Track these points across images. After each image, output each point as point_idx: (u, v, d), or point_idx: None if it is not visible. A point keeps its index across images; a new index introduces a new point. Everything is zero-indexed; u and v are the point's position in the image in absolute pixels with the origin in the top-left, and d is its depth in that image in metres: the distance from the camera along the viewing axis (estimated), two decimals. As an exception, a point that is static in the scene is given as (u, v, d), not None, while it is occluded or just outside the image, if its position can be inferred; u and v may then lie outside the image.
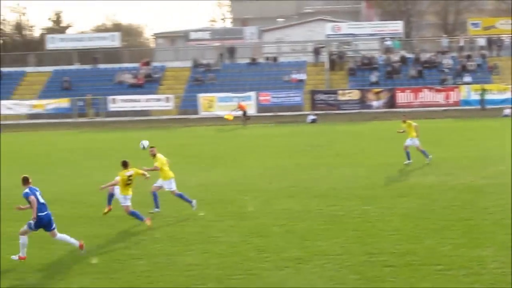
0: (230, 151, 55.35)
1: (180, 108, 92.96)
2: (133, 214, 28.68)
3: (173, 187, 31.87)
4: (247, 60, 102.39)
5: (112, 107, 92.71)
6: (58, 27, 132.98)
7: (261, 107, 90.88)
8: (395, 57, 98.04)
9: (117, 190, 29.01)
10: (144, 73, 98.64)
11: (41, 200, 23.87)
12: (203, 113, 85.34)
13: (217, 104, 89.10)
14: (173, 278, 21.63)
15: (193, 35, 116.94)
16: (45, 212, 23.81)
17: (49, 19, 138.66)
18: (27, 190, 23.78)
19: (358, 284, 20.33)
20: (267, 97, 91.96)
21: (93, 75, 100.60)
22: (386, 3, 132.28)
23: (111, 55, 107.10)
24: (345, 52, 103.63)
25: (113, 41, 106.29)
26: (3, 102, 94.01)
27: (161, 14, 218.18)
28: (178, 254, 24.45)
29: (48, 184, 37.00)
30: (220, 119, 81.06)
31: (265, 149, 55.79)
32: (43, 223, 23.79)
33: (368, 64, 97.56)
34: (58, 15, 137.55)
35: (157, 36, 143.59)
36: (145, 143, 37.65)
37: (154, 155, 32.03)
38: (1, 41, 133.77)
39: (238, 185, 38.35)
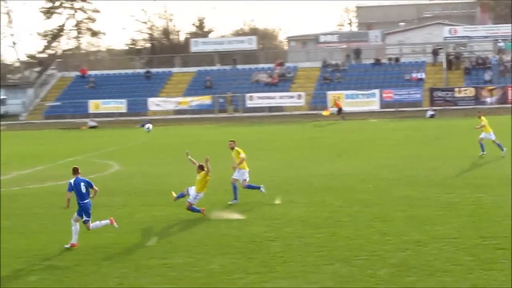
0: (355, 144, 55.28)
1: (311, 104, 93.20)
2: (192, 209, 28.87)
3: (247, 178, 31.58)
4: (372, 61, 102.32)
5: (249, 103, 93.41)
6: (201, 32, 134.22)
7: (384, 103, 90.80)
8: (507, 57, 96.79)
9: (192, 189, 29.01)
10: (278, 73, 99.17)
11: (83, 190, 24.23)
12: (331, 109, 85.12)
13: (344, 100, 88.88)
14: (304, 259, 21.77)
15: (322, 38, 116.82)
16: (86, 200, 24.23)
17: (193, 24, 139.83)
18: (71, 180, 24.31)
19: (472, 265, 20.21)
20: (390, 94, 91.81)
21: (232, 75, 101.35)
22: (499, 7, 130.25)
23: (248, 56, 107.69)
24: (461, 53, 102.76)
25: (250, 44, 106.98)
26: (152, 99, 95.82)
27: (293, 19, 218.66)
28: (309, 236, 24.59)
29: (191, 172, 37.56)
30: (347, 115, 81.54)
31: (387, 142, 55.71)
32: (84, 211, 24.21)
33: (482, 64, 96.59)
34: (201, 21, 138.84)
35: (290, 39, 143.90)
36: (150, 126, 38.84)
37: (232, 148, 31.96)
38: (151, 45, 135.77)
39: (362, 175, 38.24)
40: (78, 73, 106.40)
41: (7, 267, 21.73)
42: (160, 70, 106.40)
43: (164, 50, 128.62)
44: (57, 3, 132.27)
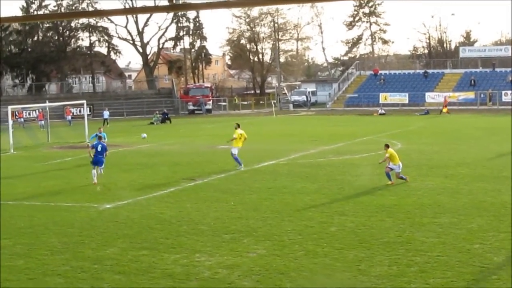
0: None
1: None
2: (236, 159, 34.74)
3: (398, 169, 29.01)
4: None
5: (505, 99, 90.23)
6: (468, 41, 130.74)
7: None
8: None
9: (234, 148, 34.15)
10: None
11: (99, 149, 31.41)
12: None
13: None
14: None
15: None
16: (99, 157, 31.37)
17: (462, 35, 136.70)
18: (95, 143, 32.38)
19: None
20: None
21: (491, 76, 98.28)
22: None
23: (504, 61, 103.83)
24: None
25: (506, 52, 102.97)
26: (428, 93, 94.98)
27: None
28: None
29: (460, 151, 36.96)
30: None
31: None
32: (94, 162, 31.31)
33: None
34: (468, 33, 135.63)
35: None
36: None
37: (387, 146, 29.78)
38: (428, 51, 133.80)
39: None
40: (371, 72, 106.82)
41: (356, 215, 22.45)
42: (435, 71, 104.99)
43: (439, 55, 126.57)
44: (356, 18, 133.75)
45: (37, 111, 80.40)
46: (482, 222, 21.35)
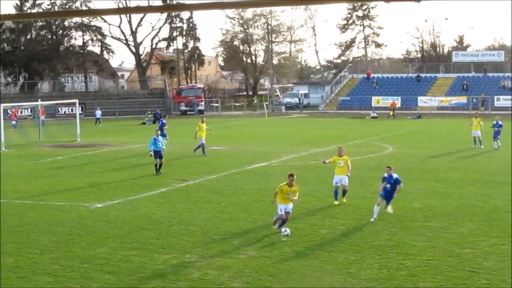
0: None
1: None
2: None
3: None
4: None
5: (497, 103, 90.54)
6: (460, 46, 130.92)
7: None
8: None
9: None
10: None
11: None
12: None
13: None
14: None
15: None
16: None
17: (455, 40, 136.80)
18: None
19: None
20: None
21: (484, 81, 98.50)
22: None
23: (497, 67, 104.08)
24: None
25: (499, 57, 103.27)
26: (421, 97, 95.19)
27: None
28: None
29: (451, 155, 36.81)
30: None
31: None
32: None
33: None
34: (461, 38, 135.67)
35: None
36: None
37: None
38: (421, 55, 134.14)
39: None
40: (364, 75, 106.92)
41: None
42: (428, 75, 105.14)
43: (431, 59, 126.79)
44: (350, 21, 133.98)
45: (29, 109, 79.79)
46: (473, 226, 21.40)
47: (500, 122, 43.86)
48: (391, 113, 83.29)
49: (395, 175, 22.75)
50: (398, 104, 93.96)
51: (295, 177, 20.96)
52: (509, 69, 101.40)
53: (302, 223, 21.89)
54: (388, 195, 22.79)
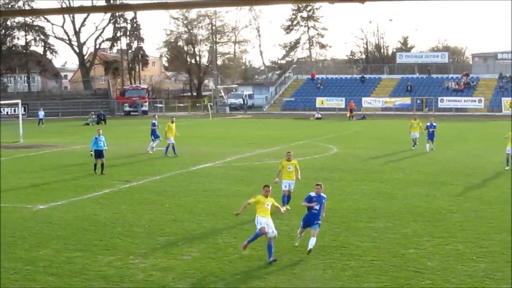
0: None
1: (489, 107, 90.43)
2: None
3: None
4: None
5: (441, 105, 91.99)
6: (405, 47, 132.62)
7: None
8: None
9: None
10: (464, 81, 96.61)
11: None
12: (504, 111, 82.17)
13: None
14: (478, 228, 21.42)
15: (500, 56, 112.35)
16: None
17: (399, 41, 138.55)
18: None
19: None
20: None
21: (428, 82, 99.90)
22: None
23: (441, 68, 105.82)
24: None
25: (443, 58, 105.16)
26: (365, 98, 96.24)
27: (478, 39, 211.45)
28: (482, 211, 24.14)
29: (395, 156, 37.18)
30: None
31: None
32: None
33: None
34: (405, 39, 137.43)
35: (474, 55, 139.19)
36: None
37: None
38: (365, 56, 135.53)
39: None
40: (309, 76, 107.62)
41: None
42: (372, 76, 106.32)
43: (376, 60, 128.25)
44: (294, 22, 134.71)
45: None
46: (417, 227, 21.70)
47: (434, 124, 44.28)
48: (349, 113, 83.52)
49: (324, 195, 19.46)
50: (343, 105, 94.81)
51: (270, 188, 19.17)
52: (452, 70, 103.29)
53: (247, 224, 21.89)
54: (314, 219, 18.82)
